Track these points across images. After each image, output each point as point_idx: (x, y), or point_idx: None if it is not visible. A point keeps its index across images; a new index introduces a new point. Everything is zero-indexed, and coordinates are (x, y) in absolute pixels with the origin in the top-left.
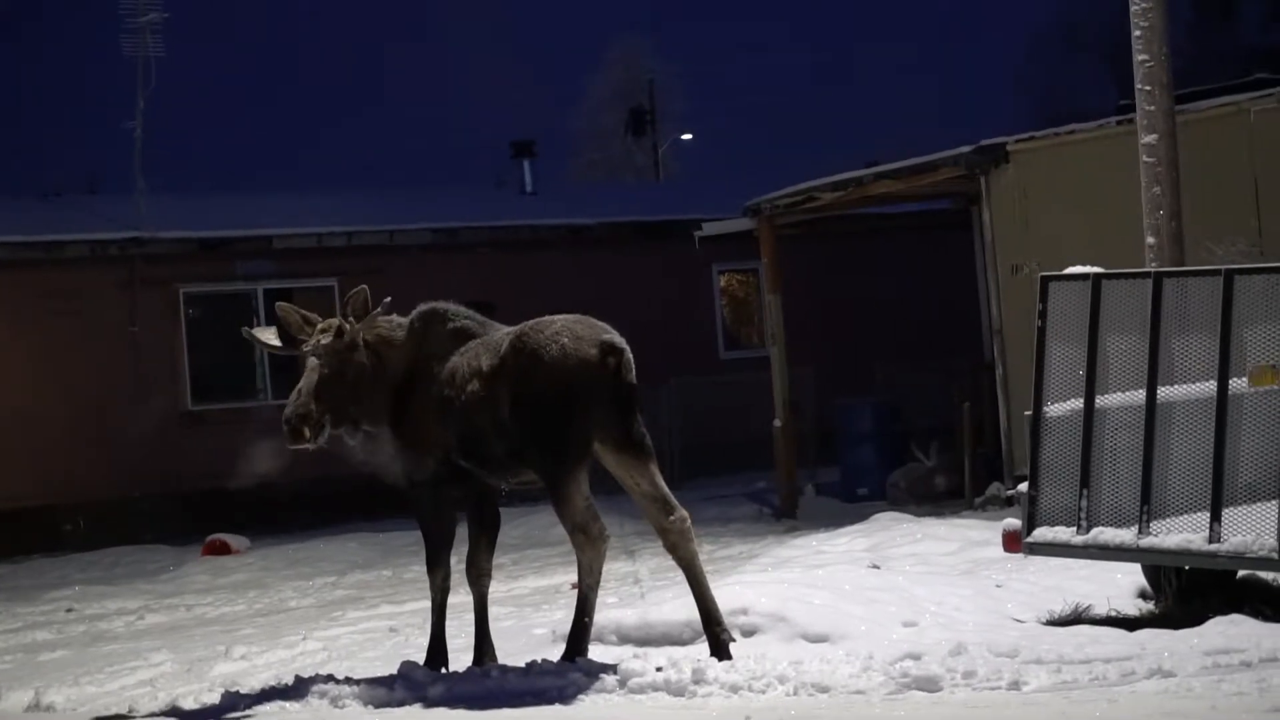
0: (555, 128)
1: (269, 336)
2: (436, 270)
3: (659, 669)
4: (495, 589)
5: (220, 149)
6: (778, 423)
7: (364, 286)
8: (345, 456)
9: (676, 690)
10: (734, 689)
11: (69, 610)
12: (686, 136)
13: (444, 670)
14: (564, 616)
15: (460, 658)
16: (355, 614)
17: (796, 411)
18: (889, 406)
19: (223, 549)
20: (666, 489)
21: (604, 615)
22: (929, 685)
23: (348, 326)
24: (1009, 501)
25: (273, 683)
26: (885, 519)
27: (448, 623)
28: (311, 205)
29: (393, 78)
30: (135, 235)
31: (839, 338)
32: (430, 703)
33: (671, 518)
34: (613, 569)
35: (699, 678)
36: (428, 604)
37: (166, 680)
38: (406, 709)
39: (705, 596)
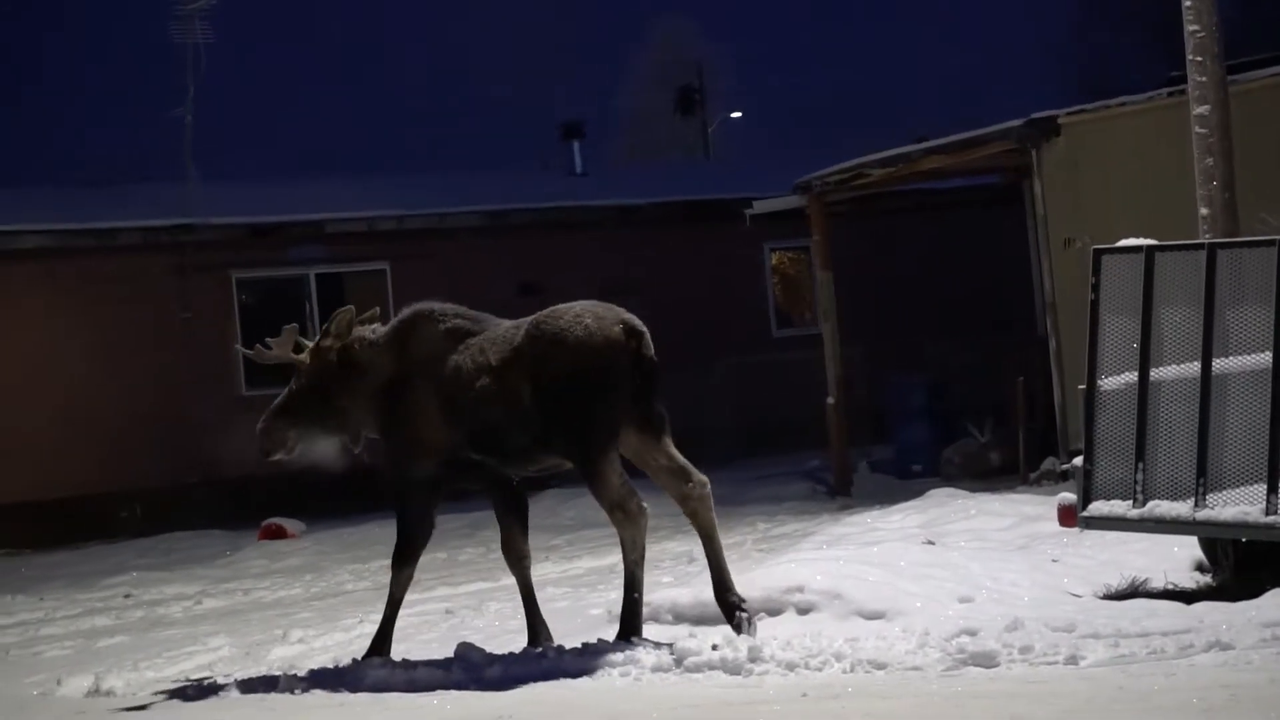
0: (604, 109)
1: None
2: (486, 252)
3: (715, 647)
4: (549, 570)
5: (270, 135)
6: (830, 400)
7: (350, 306)
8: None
9: (733, 669)
10: (790, 667)
11: (127, 596)
12: (736, 115)
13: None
14: (619, 596)
15: (516, 639)
16: (411, 596)
17: (849, 389)
18: (942, 382)
19: (278, 533)
20: (683, 458)
21: (659, 595)
22: (985, 661)
23: (325, 345)
24: (1063, 476)
25: (330, 665)
26: (939, 495)
27: (500, 605)
28: (362, 190)
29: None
30: (187, 221)
31: (891, 314)
32: (487, 684)
33: (690, 483)
34: (667, 548)
35: (755, 656)
36: (484, 585)
37: (225, 664)
38: (463, 690)
39: (720, 565)
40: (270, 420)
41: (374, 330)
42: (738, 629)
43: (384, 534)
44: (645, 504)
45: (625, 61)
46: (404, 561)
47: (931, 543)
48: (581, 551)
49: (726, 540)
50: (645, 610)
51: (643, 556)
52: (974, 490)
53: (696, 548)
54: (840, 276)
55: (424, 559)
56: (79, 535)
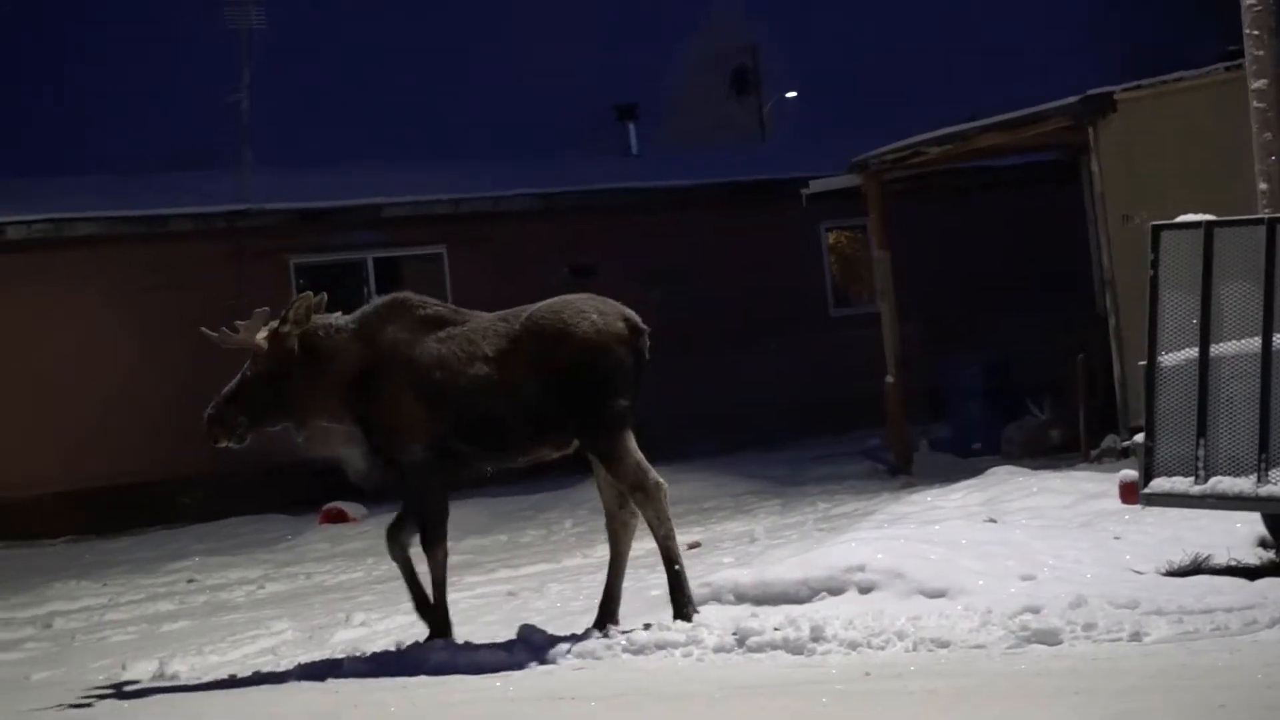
0: (657, 91)
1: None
2: (541, 235)
3: (777, 628)
4: (607, 553)
5: (326, 120)
6: (889, 379)
7: (309, 293)
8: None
9: (795, 648)
10: (853, 646)
11: (190, 581)
12: (791, 95)
13: (448, 639)
14: None
15: (578, 620)
16: (472, 579)
17: (908, 367)
18: (1000, 360)
19: (340, 517)
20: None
21: (720, 575)
22: (1049, 638)
23: (283, 332)
24: (1124, 453)
25: (393, 648)
26: (1000, 473)
27: (561, 586)
28: (417, 174)
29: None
30: (242, 207)
31: (948, 292)
32: (547, 662)
33: (625, 509)
34: (727, 529)
35: (818, 635)
36: (545, 567)
37: (288, 648)
38: (527, 671)
39: (615, 587)
40: (220, 407)
41: (338, 317)
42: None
43: None
44: (662, 480)
45: (679, 43)
46: (434, 542)
47: (993, 521)
48: (642, 533)
49: (787, 520)
50: (706, 591)
51: (672, 529)
52: (1035, 468)
53: (758, 527)
54: (898, 255)
55: (485, 541)
56: (140, 522)
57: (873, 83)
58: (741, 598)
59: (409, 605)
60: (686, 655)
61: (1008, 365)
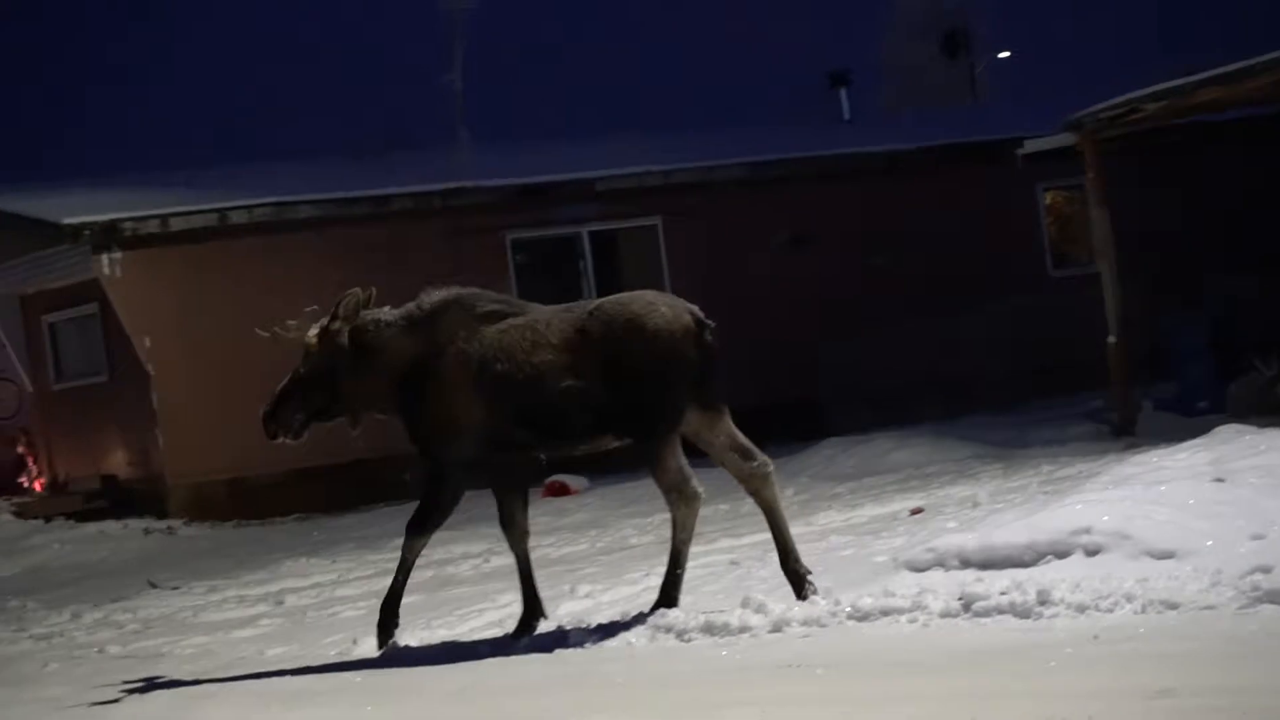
0: (869, 55)
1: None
2: (756, 204)
3: (1003, 592)
4: (833, 518)
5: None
6: (1112, 339)
7: (356, 289)
8: None
9: (1022, 612)
10: (1080, 609)
11: None
12: (1003, 55)
13: (394, 628)
14: (903, 543)
15: (780, 590)
16: (695, 549)
17: (1130, 327)
18: (1225, 317)
19: (562, 490)
20: (745, 438)
21: (943, 540)
22: None
23: (333, 329)
24: None
25: (618, 619)
26: (1226, 432)
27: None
28: (630, 147)
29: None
30: (459, 185)
31: (1169, 250)
32: (775, 630)
33: (755, 462)
34: (951, 494)
35: (1044, 599)
36: (768, 536)
37: (515, 621)
38: (754, 639)
39: (783, 537)
40: (275, 404)
41: (387, 311)
42: (802, 596)
43: None
44: (700, 488)
45: (890, 7)
46: (420, 531)
47: (1220, 480)
48: (863, 499)
49: (1011, 483)
50: (931, 556)
51: (691, 536)
52: (1262, 426)
53: (981, 491)
54: (1117, 213)
55: (707, 511)
56: (365, 499)
57: (1088, 39)
58: (966, 562)
59: (633, 576)
60: (912, 621)
61: (1232, 322)
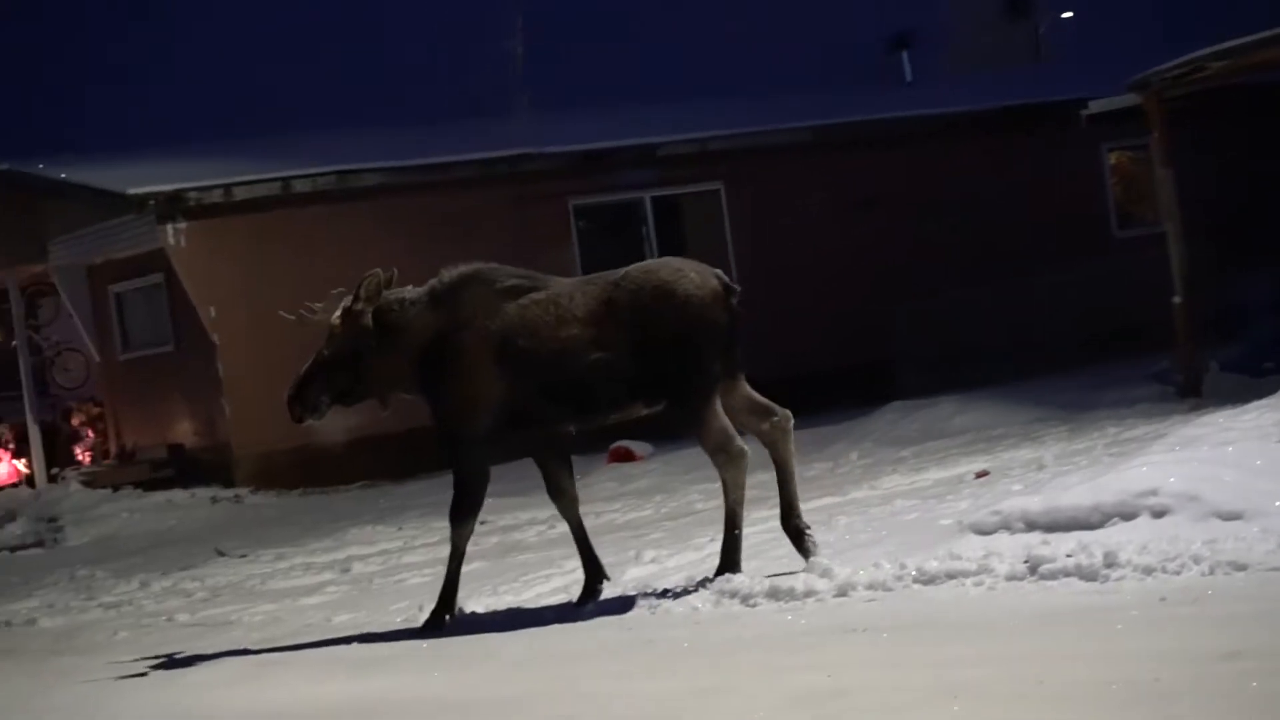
0: (930, 17)
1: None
2: (818, 168)
3: (1069, 554)
4: (898, 482)
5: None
6: (1177, 299)
7: (378, 270)
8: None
9: (1088, 575)
10: (1147, 571)
11: (483, 523)
12: (1067, 15)
13: (449, 616)
14: (968, 507)
15: (866, 552)
16: (759, 514)
17: (1195, 287)
18: None
19: (626, 456)
20: (762, 397)
21: (1009, 503)
22: None
23: (356, 310)
24: None
25: (683, 584)
26: None
27: (849, 519)
28: (691, 112)
29: None
30: (523, 151)
31: (1236, 210)
32: (840, 594)
33: (776, 416)
34: (1016, 456)
35: (1111, 561)
36: (831, 500)
37: (580, 587)
38: (819, 603)
39: (789, 492)
40: (299, 387)
41: (410, 290)
42: (805, 553)
43: None
44: (746, 447)
45: None
46: (465, 516)
47: None
48: (928, 463)
49: (1076, 446)
50: (996, 519)
51: (743, 495)
52: None
53: (1046, 454)
54: (1183, 173)
55: (767, 476)
56: (427, 467)
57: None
58: (1031, 525)
59: (699, 541)
60: (978, 584)
61: None
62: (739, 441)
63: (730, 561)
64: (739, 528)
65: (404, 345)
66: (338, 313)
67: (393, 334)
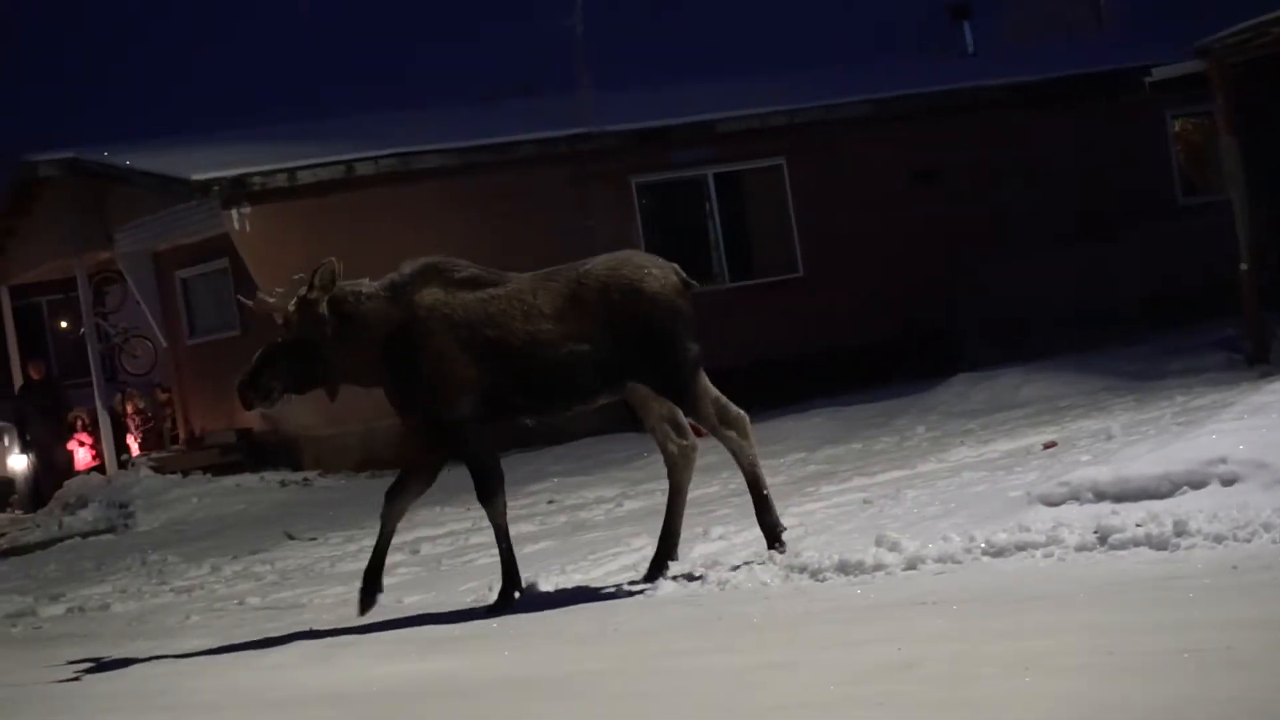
0: None
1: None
2: (880, 141)
3: (1138, 524)
4: (965, 454)
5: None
6: (1244, 267)
7: (331, 259)
8: (803, 337)
9: (1158, 544)
10: (1218, 539)
11: (550, 502)
12: None
13: (518, 592)
14: (1036, 478)
15: (935, 525)
16: (828, 489)
17: (1262, 254)
18: None
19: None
20: (683, 416)
21: (1078, 473)
22: None
23: (311, 299)
24: None
25: (751, 560)
26: None
27: (917, 492)
28: (751, 88)
29: None
30: (584, 130)
31: None
32: (909, 567)
33: (685, 442)
34: (1084, 426)
35: (1181, 530)
36: (900, 474)
37: (648, 564)
38: (888, 576)
39: (674, 526)
40: (253, 374)
41: (366, 283)
42: (652, 580)
43: (795, 428)
44: (743, 412)
45: None
46: (493, 493)
47: None
48: (995, 435)
49: (1143, 415)
50: (1064, 490)
51: (756, 457)
52: None
53: (1114, 424)
54: (1248, 139)
55: (839, 450)
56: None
57: None
58: (1100, 495)
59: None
60: (1048, 555)
61: None
62: (734, 408)
63: (767, 523)
64: (766, 488)
65: (367, 337)
66: (293, 301)
67: (352, 324)
